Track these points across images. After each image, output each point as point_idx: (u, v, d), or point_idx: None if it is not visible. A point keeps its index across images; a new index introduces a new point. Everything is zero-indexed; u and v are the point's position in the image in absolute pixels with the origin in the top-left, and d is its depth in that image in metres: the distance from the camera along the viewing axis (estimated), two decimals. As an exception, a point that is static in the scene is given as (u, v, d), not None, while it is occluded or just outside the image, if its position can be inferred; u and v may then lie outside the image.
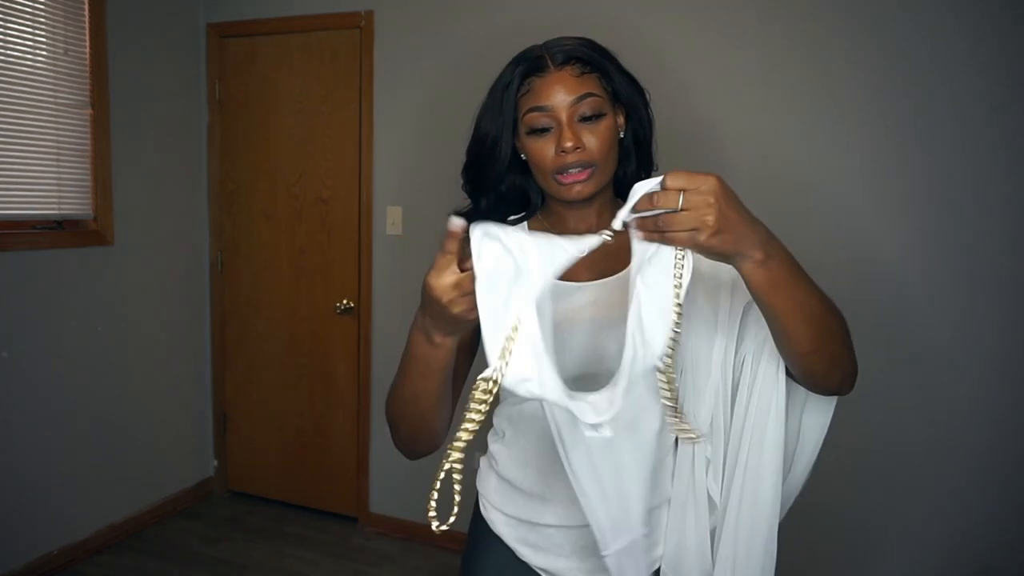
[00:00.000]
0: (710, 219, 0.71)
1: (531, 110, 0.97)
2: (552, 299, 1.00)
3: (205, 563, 2.79)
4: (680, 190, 0.71)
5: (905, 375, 2.25)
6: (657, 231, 0.73)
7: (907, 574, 2.32)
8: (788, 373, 0.93)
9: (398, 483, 3.05)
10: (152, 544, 2.92)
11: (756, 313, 0.95)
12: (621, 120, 1.02)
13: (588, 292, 1.01)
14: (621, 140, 1.03)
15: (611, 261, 1.01)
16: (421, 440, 0.93)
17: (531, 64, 0.98)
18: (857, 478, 2.34)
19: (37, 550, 2.61)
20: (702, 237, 0.71)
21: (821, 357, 0.82)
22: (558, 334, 0.97)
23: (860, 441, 2.31)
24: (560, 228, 1.07)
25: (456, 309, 0.75)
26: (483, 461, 1.15)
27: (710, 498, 0.99)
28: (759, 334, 0.94)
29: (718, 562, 0.97)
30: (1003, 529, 2.20)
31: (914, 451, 2.28)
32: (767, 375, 0.94)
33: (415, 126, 2.85)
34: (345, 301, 3.06)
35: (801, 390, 0.96)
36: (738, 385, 0.97)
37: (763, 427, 0.94)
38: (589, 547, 1.00)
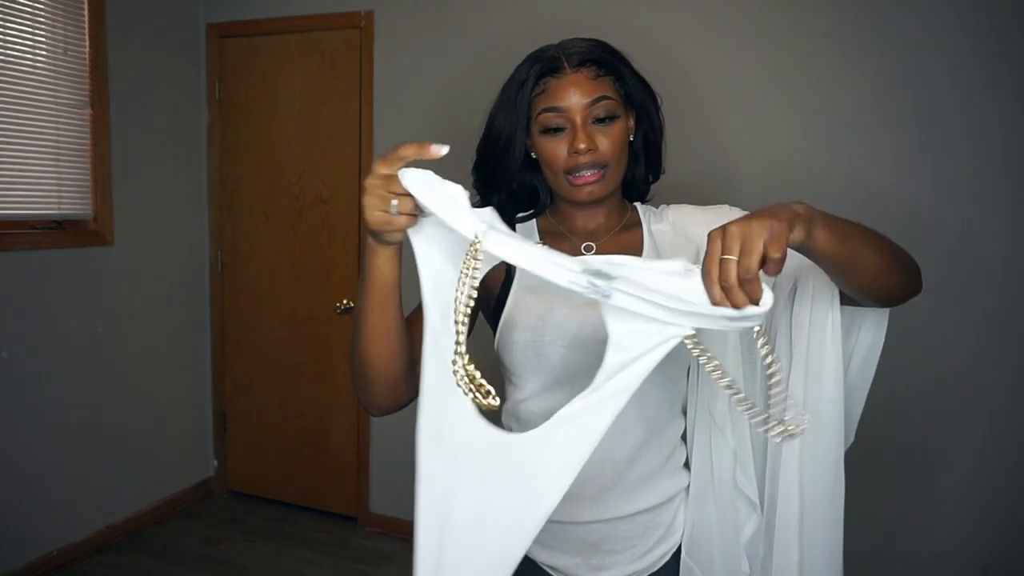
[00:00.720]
0: (773, 224, 0.65)
1: (545, 110, 0.98)
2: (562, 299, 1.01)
3: (205, 563, 2.79)
4: (721, 255, 0.65)
5: (906, 374, 2.25)
6: (752, 290, 0.65)
7: (907, 574, 2.32)
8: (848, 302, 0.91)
9: (398, 483, 3.05)
10: (152, 544, 2.92)
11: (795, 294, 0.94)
12: (632, 123, 1.03)
13: None
14: (631, 142, 1.05)
15: None
16: (367, 380, 0.89)
17: (547, 64, 0.98)
18: (855, 478, 2.33)
19: (37, 550, 2.61)
20: (795, 233, 0.67)
21: (893, 271, 0.81)
22: (567, 333, 0.98)
23: (858, 440, 2.31)
24: (568, 226, 1.08)
25: (368, 210, 0.74)
26: None
27: (740, 491, 1.00)
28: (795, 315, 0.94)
29: (775, 557, 0.97)
30: (1003, 529, 2.20)
31: (913, 451, 2.27)
32: (816, 332, 0.92)
33: (415, 126, 2.85)
34: (345, 301, 3.06)
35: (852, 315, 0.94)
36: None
37: (818, 384, 0.93)
38: (594, 544, 1.01)
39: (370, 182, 0.74)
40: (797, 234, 0.68)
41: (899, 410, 2.27)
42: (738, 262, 0.64)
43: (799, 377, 0.95)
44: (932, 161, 2.18)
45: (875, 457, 2.31)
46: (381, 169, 0.73)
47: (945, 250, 2.17)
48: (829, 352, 0.92)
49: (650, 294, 0.66)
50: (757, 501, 1.00)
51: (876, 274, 0.79)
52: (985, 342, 2.17)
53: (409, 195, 0.73)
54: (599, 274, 0.67)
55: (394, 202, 0.73)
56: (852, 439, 1.03)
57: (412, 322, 0.94)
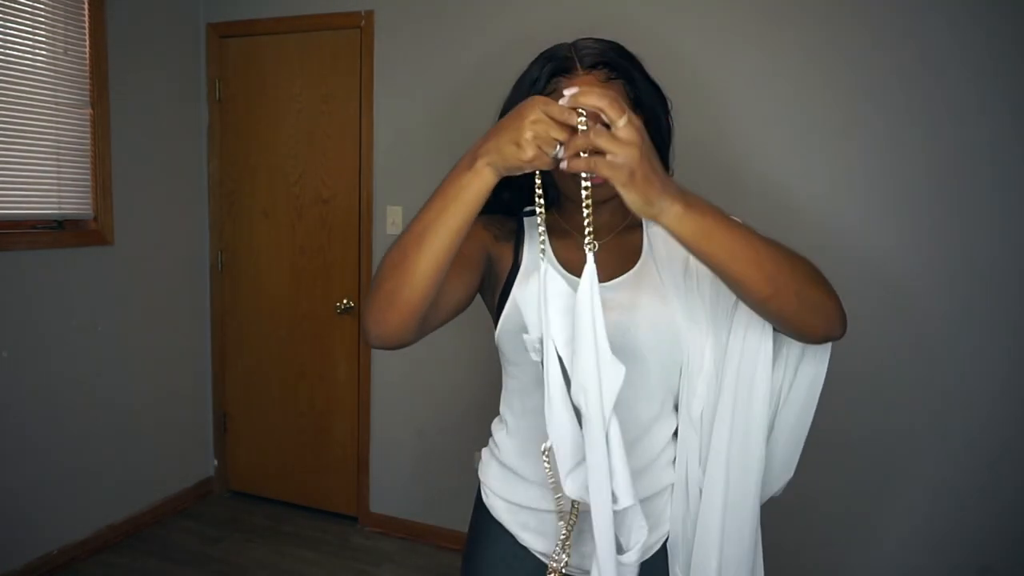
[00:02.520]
0: (635, 166, 0.74)
1: None
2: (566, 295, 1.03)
3: (205, 563, 2.79)
4: (608, 126, 0.74)
5: (907, 373, 2.25)
6: (586, 164, 0.75)
7: (906, 574, 2.32)
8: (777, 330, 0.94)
9: (398, 482, 3.05)
10: (152, 544, 2.92)
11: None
12: None
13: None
14: None
15: (622, 261, 1.04)
16: (402, 292, 0.86)
17: (559, 64, 0.99)
18: (855, 478, 2.34)
19: (37, 550, 2.61)
20: (627, 179, 0.74)
21: (784, 301, 0.83)
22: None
23: (859, 440, 2.32)
24: (573, 224, 1.10)
25: (527, 135, 0.75)
26: (485, 452, 1.17)
27: (692, 484, 1.03)
28: (747, 317, 0.96)
29: (700, 541, 1.01)
30: (1003, 529, 2.20)
31: (914, 451, 2.28)
32: (750, 349, 0.96)
33: (415, 126, 2.85)
34: (345, 301, 3.06)
35: (793, 346, 0.98)
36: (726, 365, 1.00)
37: (748, 401, 0.96)
38: (586, 532, 1.02)
39: (540, 117, 0.76)
40: (652, 209, 0.76)
41: (890, 408, 2.28)
42: (587, 134, 0.74)
43: (727, 402, 0.98)
44: (939, 173, 2.18)
45: (868, 456, 2.32)
46: (556, 112, 0.76)
47: (891, 247, 2.18)
48: (760, 376, 0.96)
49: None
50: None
51: (764, 295, 0.82)
52: (978, 335, 2.18)
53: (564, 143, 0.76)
54: None
55: (559, 148, 0.77)
56: (792, 473, 1.08)
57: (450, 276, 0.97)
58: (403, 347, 0.94)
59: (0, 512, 2.49)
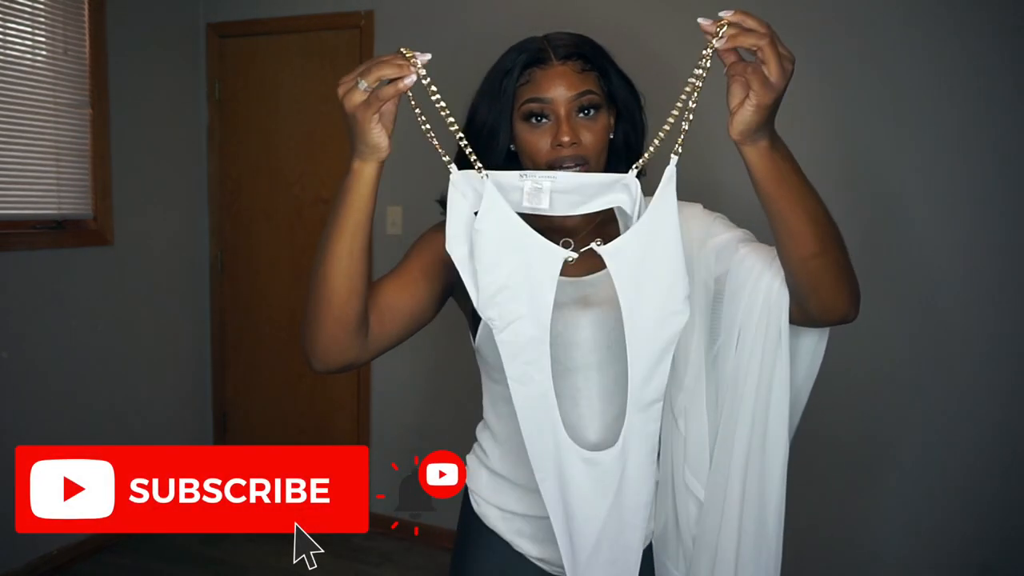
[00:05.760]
0: (788, 66, 0.73)
1: (529, 100, 0.97)
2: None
3: (205, 563, 2.79)
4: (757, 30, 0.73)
5: (906, 371, 2.25)
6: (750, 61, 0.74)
7: (906, 574, 2.32)
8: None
9: (398, 483, 3.04)
10: (152, 544, 2.91)
11: (741, 283, 0.93)
12: (611, 121, 1.03)
13: (577, 288, 1.01)
14: (611, 140, 1.03)
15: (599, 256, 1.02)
16: (317, 320, 0.87)
17: (533, 55, 0.98)
18: (856, 477, 2.34)
19: (37, 550, 2.61)
20: (771, 98, 0.73)
21: (827, 262, 0.81)
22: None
23: (859, 438, 2.32)
24: (546, 221, 1.06)
25: (347, 102, 0.80)
26: (471, 458, 1.14)
27: (688, 489, 1.00)
28: (746, 307, 0.93)
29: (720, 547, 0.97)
30: (1003, 529, 2.20)
31: (913, 450, 2.27)
32: (757, 346, 0.92)
33: (415, 125, 2.84)
34: (345, 301, 3.06)
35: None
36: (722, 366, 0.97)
37: (764, 405, 0.92)
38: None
39: (343, 82, 0.81)
40: (765, 121, 0.74)
41: (888, 406, 2.27)
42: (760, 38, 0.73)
43: (750, 390, 0.94)
44: (918, 168, 2.18)
45: (866, 456, 2.31)
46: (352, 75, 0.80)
47: (895, 246, 2.18)
48: (780, 361, 0.92)
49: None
50: (696, 492, 1.00)
51: (811, 252, 0.80)
52: (985, 341, 2.18)
53: (374, 72, 0.81)
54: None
55: (362, 83, 0.81)
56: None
57: (379, 287, 0.95)
58: (353, 367, 0.93)
59: (0, 512, 2.49)
